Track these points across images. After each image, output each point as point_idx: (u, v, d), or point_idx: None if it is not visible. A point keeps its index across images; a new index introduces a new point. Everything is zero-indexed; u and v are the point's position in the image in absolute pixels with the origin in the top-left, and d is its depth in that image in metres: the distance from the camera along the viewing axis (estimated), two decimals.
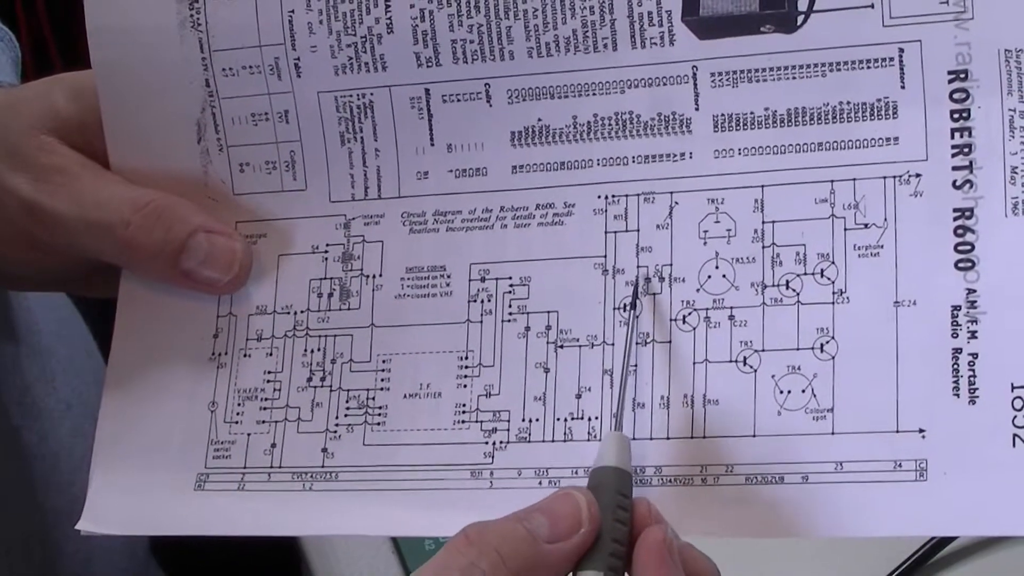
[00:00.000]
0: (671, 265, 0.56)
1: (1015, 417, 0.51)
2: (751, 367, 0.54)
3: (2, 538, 0.78)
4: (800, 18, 0.54)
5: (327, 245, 0.60)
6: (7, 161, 0.61)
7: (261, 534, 0.58)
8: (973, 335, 0.52)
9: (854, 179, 0.54)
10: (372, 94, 0.59)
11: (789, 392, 0.54)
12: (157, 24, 0.60)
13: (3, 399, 0.78)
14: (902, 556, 0.72)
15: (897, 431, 0.52)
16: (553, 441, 0.56)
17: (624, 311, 0.56)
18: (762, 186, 0.55)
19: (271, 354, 0.60)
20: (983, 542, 0.73)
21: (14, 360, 0.79)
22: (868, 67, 0.54)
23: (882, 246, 0.54)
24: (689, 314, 0.55)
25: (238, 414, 0.59)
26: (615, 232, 0.57)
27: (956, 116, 0.53)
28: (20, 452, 0.79)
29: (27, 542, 0.80)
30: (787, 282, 0.54)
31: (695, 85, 0.56)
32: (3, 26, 0.76)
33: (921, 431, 0.52)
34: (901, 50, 0.53)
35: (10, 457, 0.79)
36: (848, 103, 0.54)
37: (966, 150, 0.53)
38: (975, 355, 0.52)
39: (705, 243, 0.56)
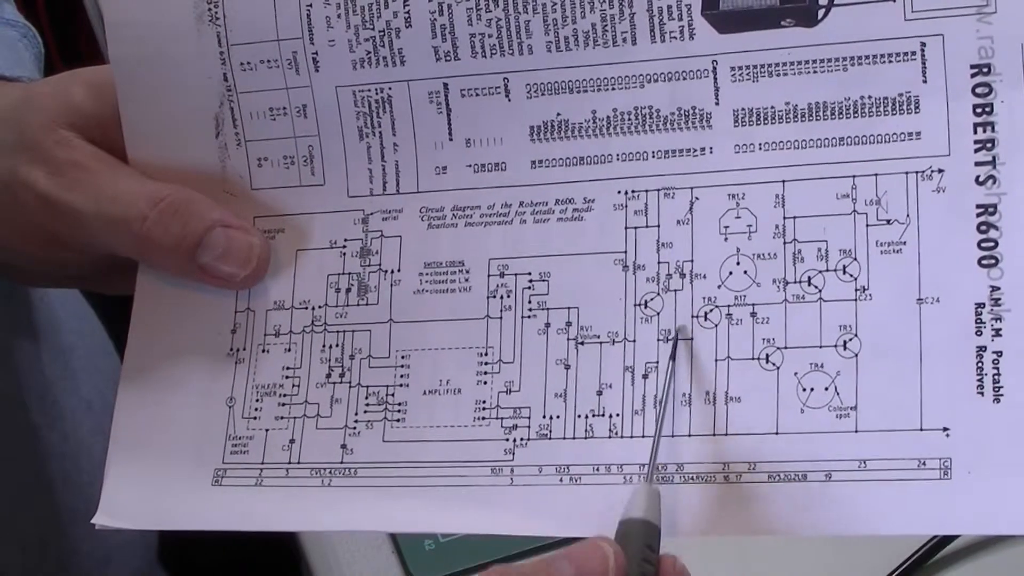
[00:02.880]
0: (692, 261, 0.55)
1: None
2: (773, 364, 0.54)
3: (19, 537, 0.78)
4: (821, 12, 0.54)
5: (345, 240, 0.60)
6: (25, 155, 0.61)
7: (278, 529, 0.58)
8: (997, 333, 0.52)
9: (876, 174, 0.54)
10: (390, 88, 0.59)
11: (812, 390, 0.53)
12: (175, 18, 0.60)
13: (24, 397, 0.78)
14: (902, 556, 0.72)
15: (921, 429, 0.52)
16: (574, 438, 0.55)
17: (645, 308, 0.56)
18: (783, 181, 0.55)
19: (289, 349, 0.60)
20: (984, 542, 0.73)
21: (35, 358, 0.79)
22: (890, 61, 0.54)
23: (904, 242, 0.53)
24: (710, 311, 0.55)
25: (256, 410, 0.59)
26: (635, 228, 0.56)
27: (979, 111, 0.53)
28: (40, 451, 0.79)
29: (44, 541, 0.80)
30: (809, 279, 0.54)
31: (715, 79, 0.55)
32: (27, 23, 0.76)
33: (945, 429, 0.52)
34: (923, 44, 0.53)
35: (30, 456, 0.79)
36: (869, 97, 0.54)
37: (989, 145, 0.53)
38: (999, 353, 0.51)
39: (726, 239, 0.55)
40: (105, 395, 0.83)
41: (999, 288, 0.52)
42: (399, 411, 0.58)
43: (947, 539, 0.72)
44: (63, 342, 0.81)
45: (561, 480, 0.55)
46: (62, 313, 0.82)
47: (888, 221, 0.54)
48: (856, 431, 0.52)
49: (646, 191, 0.56)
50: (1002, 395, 0.51)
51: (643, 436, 0.54)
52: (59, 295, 0.82)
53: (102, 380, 0.84)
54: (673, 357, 0.55)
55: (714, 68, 0.55)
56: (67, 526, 0.81)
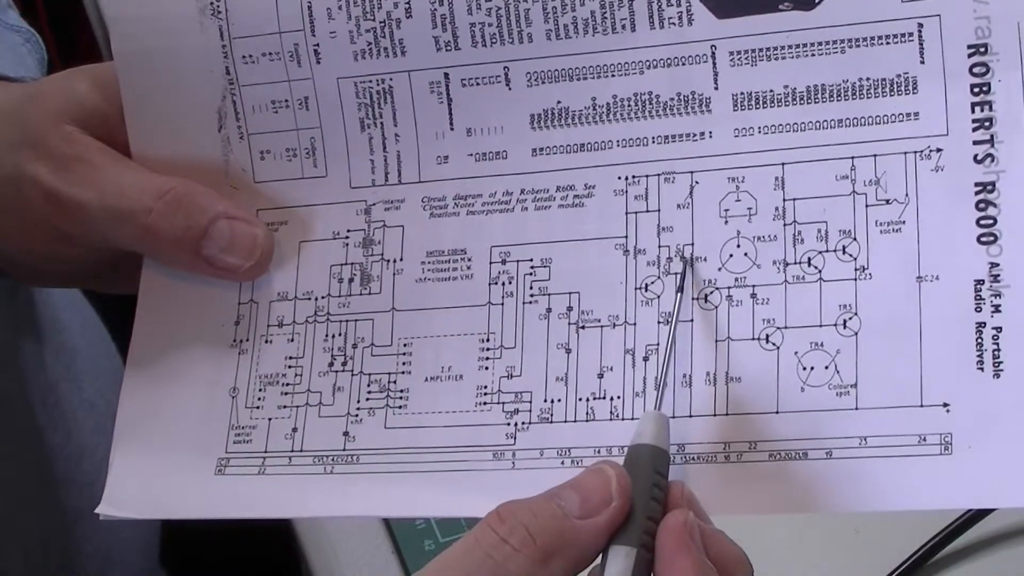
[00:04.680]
0: (692, 244, 0.56)
1: None
2: (774, 344, 0.54)
3: (21, 537, 0.78)
4: None
5: (348, 231, 0.60)
6: (29, 151, 0.61)
7: (281, 517, 0.58)
8: (997, 309, 0.52)
9: (875, 155, 0.54)
10: (391, 79, 0.59)
11: (812, 368, 0.53)
12: (177, 12, 0.60)
13: (27, 398, 0.78)
14: (903, 555, 0.72)
15: (921, 406, 0.52)
16: (575, 421, 0.55)
17: (645, 291, 0.56)
18: (782, 164, 0.55)
19: (292, 340, 0.60)
20: (984, 541, 0.73)
21: (38, 359, 0.79)
22: (887, 43, 0.54)
23: (904, 222, 0.53)
24: (711, 292, 0.55)
25: (259, 399, 0.59)
26: (636, 213, 0.57)
27: (976, 90, 0.53)
28: (43, 451, 0.79)
29: (46, 542, 0.80)
30: (809, 259, 0.54)
31: (714, 64, 0.56)
32: (30, 28, 0.77)
33: (945, 405, 0.51)
34: (920, 25, 0.53)
35: (33, 456, 0.79)
36: (867, 79, 0.54)
37: (987, 124, 0.53)
38: (999, 329, 0.51)
39: (726, 222, 0.55)
40: (107, 396, 0.83)
41: (998, 265, 0.52)
42: (401, 398, 0.58)
43: (946, 539, 0.72)
44: (66, 343, 0.82)
45: (563, 463, 0.55)
46: (65, 314, 0.82)
47: (887, 201, 0.54)
48: (856, 408, 0.52)
49: (646, 176, 0.57)
50: (1002, 370, 0.51)
51: None
52: (62, 296, 0.82)
53: (104, 381, 0.84)
54: (681, 289, 0.55)
55: (713, 53, 0.56)
56: (69, 526, 0.81)
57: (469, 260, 0.58)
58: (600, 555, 0.49)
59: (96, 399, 0.83)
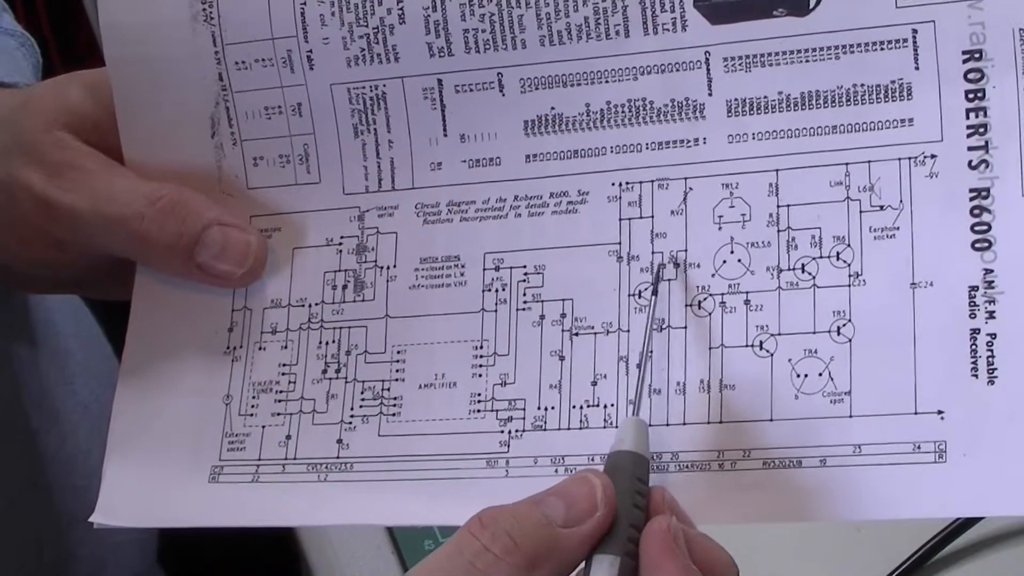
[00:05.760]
0: (686, 251, 0.56)
1: None
2: (767, 351, 0.54)
3: (15, 540, 0.78)
4: (812, 1, 0.54)
5: (341, 237, 0.60)
6: (22, 157, 0.61)
7: (275, 525, 0.58)
8: (991, 315, 0.51)
9: (869, 161, 0.54)
10: (385, 85, 0.59)
11: (806, 376, 0.53)
12: (170, 18, 0.60)
13: (22, 402, 0.78)
14: (903, 556, 0.72)
15: (915, 413, 0.52)
16: (569, 429, 0.55)
17: (640, 297, 0.56)
18: (776, 170, 0.55)
19: (286, 347, 0.60)
20: (983, 541, 0.73)
21: (32, 363, 0.79)
22: (882, 49, 0.54)
23: (898, 228, 0.53)
24: (705, 299, 0.55)
25: (253, 407, 0.59)
26: (629, 219, 0.56)
27: (971, 96, 0.53)
28: (38, 455, 0.79)
29: (40, 544, 0.80)
30: (803, 266, 0.54)
31: (708, 70, 0.56)
32: (25, 32, 0.76)
33: (940, 413, 0.51)
34: (915, 31, 0.53)
35: (28, 459, 0.79)
36: (862, 85, 0.54)
37: (982, 130, 0.52)
38: (993, 335, 0.51)
39: (720, 228, 0.55)
40: (102, 399, 0.83)
41: (992, 271, 0.52)
42: (395, 405, 0.58)
43: (947, 539, 0.72)
44: (61, 346, 0.82)
45: (556, 471, 0.55)
46: (60, 317, 0.82)
47: (881, 207, 0.53)
48: (850, 416, 0.52)
49: (640, 183, 0.57)
50: (996, 377, 0.51)
51: None
52: (56, 300, 0.82)
53: (99, 384, 0.84)
54: (655, 292, 0.55)
55: (707, 59, 0.56)
56: (64, 529, 0.81)
57: (462, 267, 0.58)
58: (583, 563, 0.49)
59: (91, 402, 0.83)
